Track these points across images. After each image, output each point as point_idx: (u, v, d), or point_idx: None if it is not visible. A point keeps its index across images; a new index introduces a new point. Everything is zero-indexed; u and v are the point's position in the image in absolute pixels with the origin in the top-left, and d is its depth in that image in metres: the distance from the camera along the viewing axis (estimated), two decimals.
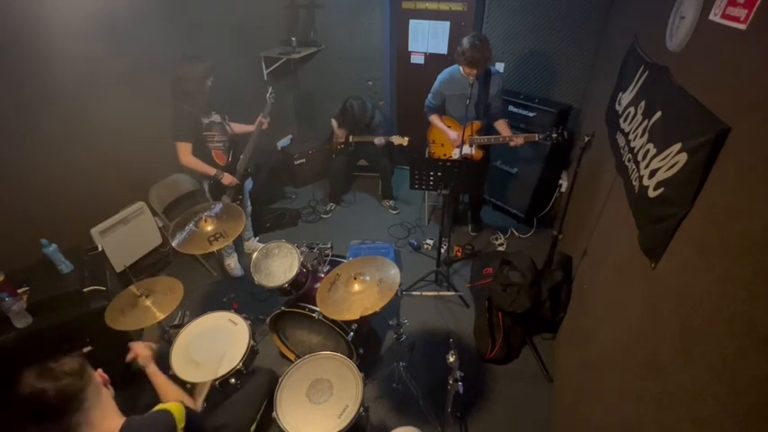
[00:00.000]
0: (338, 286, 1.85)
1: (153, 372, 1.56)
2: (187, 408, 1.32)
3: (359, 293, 1.78)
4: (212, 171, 2.60)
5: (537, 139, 2.70)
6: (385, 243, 3.39)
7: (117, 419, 1.15)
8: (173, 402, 1.27)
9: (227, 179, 2.65)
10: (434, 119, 3.05)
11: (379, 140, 3.54)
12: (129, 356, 1.59)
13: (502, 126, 2.91)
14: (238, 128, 2.83)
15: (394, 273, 1.84)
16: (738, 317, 0.84)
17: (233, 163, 2.75)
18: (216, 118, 2.62)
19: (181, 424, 1.21)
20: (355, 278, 1.82)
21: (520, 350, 2.54)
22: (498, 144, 2.89)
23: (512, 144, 2.77)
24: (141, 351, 1.58)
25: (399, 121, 4.49)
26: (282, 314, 2.21)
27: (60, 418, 1.05)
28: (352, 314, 1.70)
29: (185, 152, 2.51)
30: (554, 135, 2.61)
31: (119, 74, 2.63)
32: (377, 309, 1.67)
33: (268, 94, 2.76)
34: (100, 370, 1.22)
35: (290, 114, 4.52)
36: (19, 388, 1.04)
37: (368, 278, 1.83)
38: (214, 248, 2.02)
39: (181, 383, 1.69)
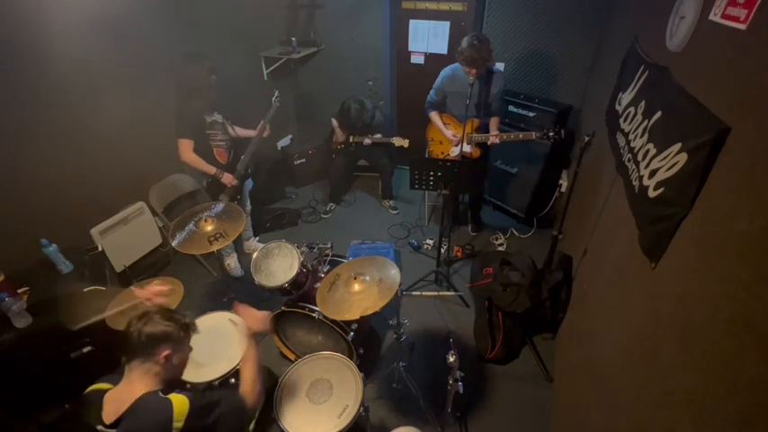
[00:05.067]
0: (338, 286, 1.85)
1: (251, 346, 1.51)
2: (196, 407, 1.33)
3: (359, 293, 1.78)
4: (212, 170, 2.60)
5: (534, 137, 2.70)
6: (385, 243, 3.39)
7: (146, 388, 1.23)
8: (180, 395, 1.25)
9: (227, 179, 2.65)
10: (434, 116, 3.05)
11: (367, 141, 3.56)
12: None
13: (492, 123, 2.94)
14: (241, 131, 2.84)
15: (394, 273, 1.84)
16: (738, 317, 0.84)
17: (234, 162, 2.76)
18: (218, 117, 2.63)
19: (179, 422, 1.19)
20: (355, 278, 1.82)
21: (520, 350, 2.54)
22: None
23: (489, 143, 2.84)
24: (258, 320, 1.56)
25: (399, 121, 4.49)
26: (282, 314, 2.21)
27: (126, 354, 1.24)
28: (352, 314, 1.70)
29: (186, 149, 2.52)
30: (551, 134, 2.61)
31: (118, 74, 2.64)
32: (377, 309, 1.68)
33: (274, 98, 2.76)
34: (168, 353, 1.27)
35: (290, 114, 4.52)
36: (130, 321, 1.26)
37: (368, 278, 1.83)
38: (214, 248, 2.03)
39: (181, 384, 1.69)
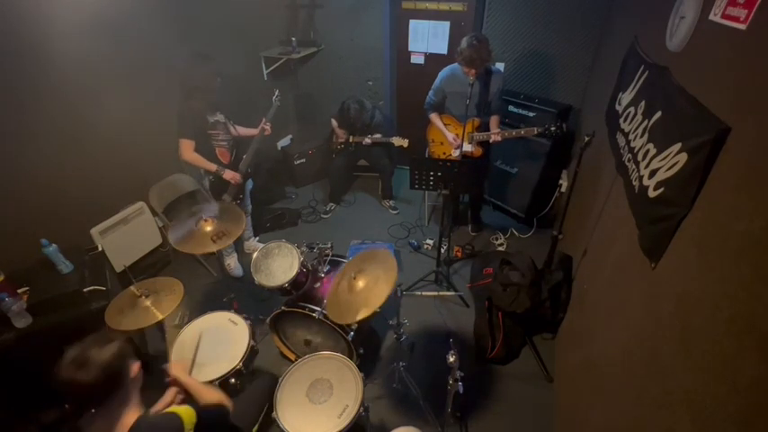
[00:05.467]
0: (342, 290, 1.85)
1: (189, 383, 1.54)
2: (211, 410, 1.35)
3: (363, 291, 1.78)
4: (213, 167, 2.61)
5: (536, 132, 2.71)
6: (385, 243, 3.39)
7: (135, 414, 1.19)
8: (185, 406, 1.26)
9: (229, 175, 2.66)
10: (434, 117, 3.06)
11: (366, 140, 3.57)
12: (170, 380, 1.56)
13: (492, 121, 2.96)
14: (242, 131, 2.84)
15: (388, 261, 1.84)
16: (738, 317, 0.84)
17: (236, 161, 2.76)
18: (220, 117, 2.63)
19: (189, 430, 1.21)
20: (355, 277, 1.82)
21: (520, 350, 2.54)
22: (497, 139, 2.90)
23: (491, 140, 2.84)
24: (178, 369, 1.56)
25: (399, 120, 4.50)
26: (282, 314, 2.21)
27: (87, 406, 1.12)
28: (365, 311, 1.69)
29: (188, 149, 2.52)
30: (552, 128, 2.62)
31: (118, 74, 2.63)
32: (388, 291, 1.68)
33: (274, 97, 2.76)
34: (138, 364, 1.23)
35: (290, 114, 4.52)
36: (57, 370, 1.08)
37: (367, 272, 1.83)
38: (216, 248, 2.01)
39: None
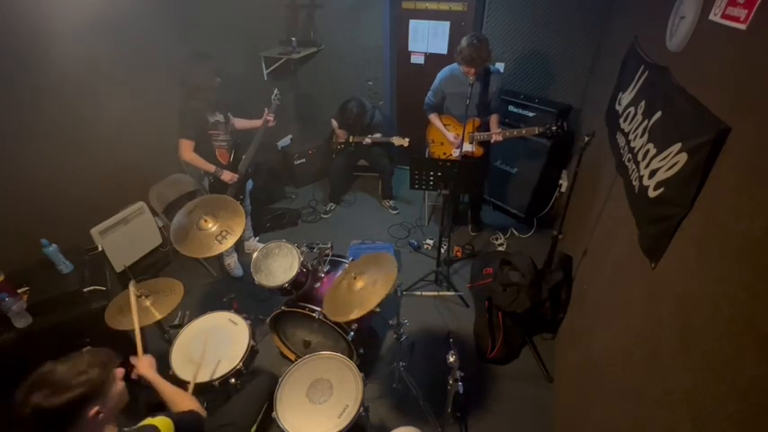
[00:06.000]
0: (342, 289, 1.85)
1: (157, 381, 1.48)
2: (184, 416, 1.32)
3: (361, 290, 1.79)
4: (212, 168, 2.61)
5: (537, 132, 2.71)
6: (385, 243, 3.39)
7: None
8: (161, 418, 1.23)
9: (227, 176, 2.66)
10: (434, 118, 3.06)
11: (367, 140, 3.58)
12: (134, 375, 1.49)
13: (492, 121, 2.96)
14: (243, 123, 2.83)
15: (390, 263, 1.85)
16: (738, 317, 0.84)
17: (235, 162, 2.76)
18: (220, 117, 2.63)
19: None
20: (355, 277, 1.82)
21: (520, 350, 2.54)
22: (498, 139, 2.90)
23: (492, 140, 2.84)
24: (144, 366, 1.50)
25: (399, 120, 4.50)
26: (282, 314, 2.21)
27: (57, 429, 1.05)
28: (359, 311, 1.70)
29: (187, 149, 2.52)
30: (554, 128, 2.63)
31: (118, 74, 2.64)
32: (383, 296, 1.68)
33: (273, 96, 2.76)
34: (95, 410, 1.08)
35: (290, 114, 4.52)
36: (17, 400, 1.03)
37: (368, 274, 1.84)
38: (224, 248, 1.98)
39: (181, 383, 1.69)
